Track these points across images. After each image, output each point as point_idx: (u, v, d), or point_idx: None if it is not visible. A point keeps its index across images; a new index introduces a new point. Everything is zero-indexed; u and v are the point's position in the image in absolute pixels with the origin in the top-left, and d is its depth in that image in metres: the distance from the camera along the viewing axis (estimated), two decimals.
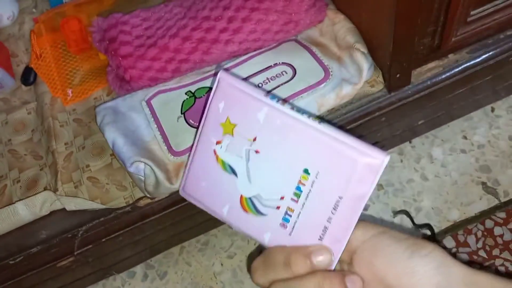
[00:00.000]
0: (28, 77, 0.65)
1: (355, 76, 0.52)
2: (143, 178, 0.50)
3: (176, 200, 0.53)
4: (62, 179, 0.55)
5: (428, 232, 0.62)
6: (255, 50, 0.56)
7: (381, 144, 0.63)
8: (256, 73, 0.54)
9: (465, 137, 0.66)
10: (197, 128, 0.41)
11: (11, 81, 0.66)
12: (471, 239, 0.61)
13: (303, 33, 0.58)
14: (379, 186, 0.65)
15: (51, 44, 0.66)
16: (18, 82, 0.66)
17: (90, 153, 0.57)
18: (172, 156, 0.51)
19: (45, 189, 0.55)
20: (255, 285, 0.61)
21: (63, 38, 0.65)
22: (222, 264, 0.64)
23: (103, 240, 0.53)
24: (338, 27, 0.55)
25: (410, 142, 0.67)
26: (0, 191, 0.57)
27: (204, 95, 0.54)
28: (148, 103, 0.55)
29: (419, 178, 0.65)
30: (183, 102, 0.54)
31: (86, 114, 0.60)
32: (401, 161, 0.66)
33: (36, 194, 0.53)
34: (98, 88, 0.62)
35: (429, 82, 0.54)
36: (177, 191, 0.52)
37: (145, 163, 0.50)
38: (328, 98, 0.51)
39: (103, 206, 0.52)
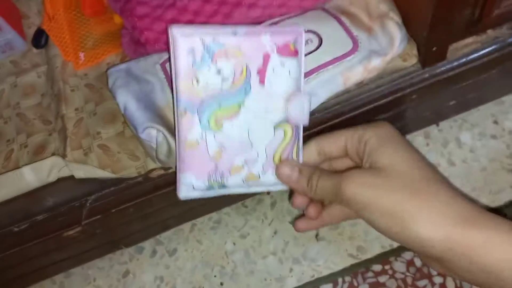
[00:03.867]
0: (40, 39, 0.62)
1: (386, 48, 0.48)
2: (154, 146, 0.47)
3: None
4: (71, 145, 0.52)
5: None
6: (286, 13, 0.52)
7: (407, 125, 0.60)
8: None
9: (495, 122, 0.63)
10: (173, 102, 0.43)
11: (22, 44, 0.63)
12: None
13: (332, 2, 0.54)
14: None
15: (64, 5, 0.62)
16: (29, 44, 0.63)
17: (101, 120, 0.54)
18: None
19: (53, 155, 0.53)
20: (267, 267, 0.59)
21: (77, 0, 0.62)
22: (234, 244, 0.61)
23: (113, 211, 0.50)
24: None
25: (437, 125, 0.64)
26: (7, 156, 0.54)
27: None
28: (163, 66, 0.52)
29: (445, 163, 0.61)
30: None
31: (98, 79, 0.57)
32: (427, 144, 0.63)
33: (43, 159, 0.51)
34: (111, 53, 0.59)
35: (465, 59, 0.50)
36: None
37: (157, 129, 0.47)
38: (355, 71, 0.48)
39: (114, 176, 0.50)
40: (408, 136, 0.63)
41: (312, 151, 0.44)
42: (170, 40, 0.40)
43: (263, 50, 0.41)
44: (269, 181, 0.44)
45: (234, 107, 0.42)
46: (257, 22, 0.52)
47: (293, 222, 0.48)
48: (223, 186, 0.44)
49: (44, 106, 0.57)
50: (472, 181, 0.60)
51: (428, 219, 0.34)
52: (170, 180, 0.50)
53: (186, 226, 0.63)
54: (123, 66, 0.53)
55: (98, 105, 0.55)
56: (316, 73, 0.48)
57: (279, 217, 0.61)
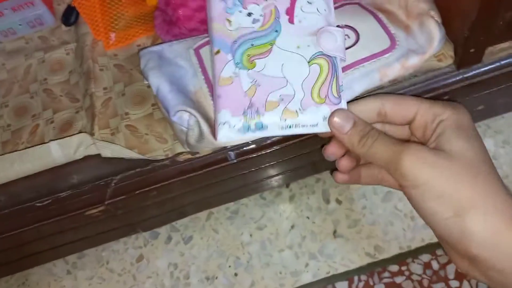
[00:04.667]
0: (69, 17, 0.61)
1: (424, 46, 0.48)
2: (185, 130, 0.47)
3: (217, 159, 0.50)
4: (99, 124, 0.52)
5: None
6: None
7: None
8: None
9: None
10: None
11: (51, 19, 0.62)
12: None
13: None
14: None
15: None
16: (58, 21, 0.63)
17: (130, 101, 0.53)
18: None
19: (80, 132, 0.52)
20: (283, 260, 0.58)
21: None
22: (251, 235, 0.61)
23: (137, 192, 0.50)
24: None
25: None
26: (32, 130, 0.54)
27: None
28: (197, 51, 0.51)
29: None
30: None
31: (128, 60, 0.57)
32: None
33: (71, 135, 0.50)
34: (142, 35, 0.58)
35: (500, 63, 0.50)
36: (219, 150, 0.50)
37: (190, 113, 0.47)
38: (393, 68, 0.48)
39: (141, 156, 0.49)
40: None
41: (372, 109, 0.40)
42: None
43: None
44: (308, 120, 0.42)
45: (266, 45, 0.43)
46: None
47: (333, 173, 0.45)
48: (260, 125, 0.42)
49: (72, 83, 0.57)
50: None
51: (483, 211, 0.33)
52: (196, 165, 0.50)
53: (203, 214, 0.63)
54: (156, 48, 0.53)
55: (127, 86, 0.55)
56: (353, 68, 0.47)
57: (297, 211, 0.61)
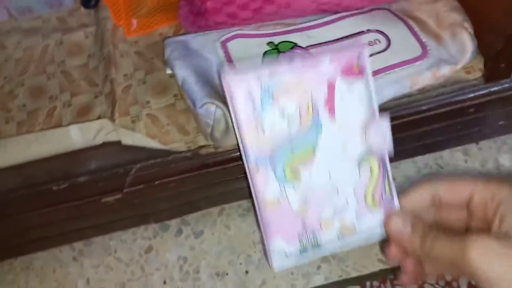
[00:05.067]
0: (90, 0, 0.60)
1: (455, 57, 0.48)
2: (211, 123, 0.46)
3: (240, 156, 0.49)
4: (119, 111, 0.51)
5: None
6: (345, 9, 0.51)
7: (452, 139, 0.60)
8: (346, 36, 0.50)
9: None
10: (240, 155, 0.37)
11: (71, 1, 0.61)
12: None
13: (397, 4, 0.53)
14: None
15: None
16: (77, 3, 0.62)
17: (151, 90, 0.52)
18: None
19: (99, 118, 0.51)
20: None
21: None
22: None
23: (156, 182, 0.49)
24: (441, 4, 0.50)
25: (477, 143, 0.63)
26: (49, 112, 0.53)
27: (288, 50, 0.49)
28: (224, 45, 0.51)
29: None
30: (265, 53, 0.49)
31: (150, 49, 0.56)
32: (466, 161, 0.63)
33: (92, 120, 0.49)
34: (164, 24, 0.57)
35: None
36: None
37: (217, 105, 0.46)
38: (424, 76, 0.47)
39: (163, 147, 0.48)
40: (448, 151, 0.63)
41: (425, 197, 0.37)
42: (225, 89, 0.35)
43: (326, 77, 0.36)
44: (365, 230, 0.38)
45: (308, 150, 0.36)
46: (321, 11, 0.51)
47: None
48: (317, 245, 0.38)
49: (91, 67, 0.56)
50: None
51: None
52: (218, 159, 0.49)
53: (215, 209, 0.62)
54: (181, 38, 0.52)
55: (148, 74, 0.54)
56: (383, 73, 0.47)
57: None
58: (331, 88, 0.36)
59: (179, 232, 0.61)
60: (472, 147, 0.63)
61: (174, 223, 0.62)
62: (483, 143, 0.63)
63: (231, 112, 0.35)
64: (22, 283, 0.61)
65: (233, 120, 0.36)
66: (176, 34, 0.56)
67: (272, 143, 0.36)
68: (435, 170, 0.62)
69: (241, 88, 0.34)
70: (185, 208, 0.60)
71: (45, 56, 0.57)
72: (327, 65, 0.35)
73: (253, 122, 0.35)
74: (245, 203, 0.62)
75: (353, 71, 0.36)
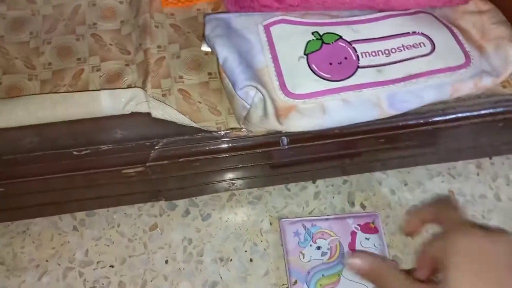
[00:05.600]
0: None
1: (498, 70, 0.48)
2: (248, 107, 0.45)
3: (269, 142, 0.48)
4: (151, 82, 0.49)
5: None
6: (391, 8, 0.51)
7: (470, 150, 0.60)
8: (392, 36, 0.50)
9: None
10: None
11: None
12: None
13: (440, 11, 0.53)
14: (450, 193, 0.62)
15: None
16: None
17: (185, 65, 0.51)
18: (283, 95, 0.46)
19: (128, 86, 0.50)
20: None
21: None
22: (271, 224, 0.60)
23: (180, 160, 0.48)
24: (487, 16, 0.51)
25: (490, 158, 0.64)
26: (76, 74, 0.51)
27: (333, 42, 0.49)
28: (267, 28, 0.50)
29: (492, 196, 0.62)
30: (308, 42, 0.49)
31: (186, 23, 0.54)
32: (478, 174, 0.63)
33: (124, 88, 0.48)
34: (204, 0, 0.56)
35: None
36: (273, 133, 0.48)
37: (258, 89, 0.45)
38: (465, 85, 0.47)
39: (194, 124, 0.47)
40: (461, 162, 0.64)
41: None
42: (280, 228, 0.56)
43: (350, 230, 0.55)
44: None
45: (335, 275, 0.52)
46: (369, 6, 0.51)
47: None
48: None
49: (123, 34, 0.54)
50: None
51: None
52: (248, 144, 0.48)
53: (225, 194, 0.61)
54: (223, 16, 0.51)
55: (182, 48, 0.52)
56: (426, 76, 0.47)
57: (320, 208, 0.60)
58: (353, 236, 0.55)
59: (186, 212, 0.60)
60: (485, 161, 0.64)
61: (182, 203, 0.61)
62: (496, 159, 0.64)
63: (282, 242, 0.55)
64: (17, 247, 0.59)
65: (283, 248, 0.54)
66: (214, 11, 0.55)
67: (309, 266, 0.53)
68: (447, 179, 0.63)
69: (291, 228, 0.55)
70: (196, 190, 0.59)
71: (75, 16, 0.54)
72: (351, 222, 0.56)
73: (297, 250, 0.54)
74: (255, 190, 0.62)
75: (370, 228, 0.55)
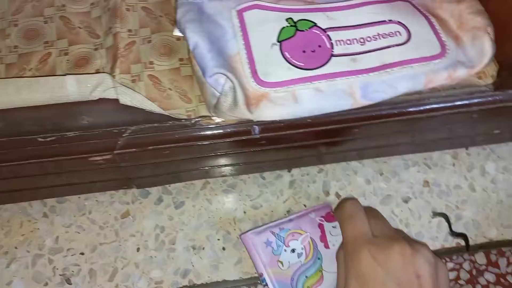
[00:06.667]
0: None
1: (473, 61, 0.48)
2: (217, 94, 0.44)
3: (240, 131, 0.48)
4: (120, 67, 0.48)
5: (462, 242, 0.59)
6: None
7: (446, 140, 0.60)
8: (367, 24, 0.48)
9: None
10: None
11: None
12: (502, 261, 0.59)
13: None
14: (425, 183, 0.62)
15: None
16: None
17: (156, 50, 0.50)
18: (255, 83, 0.45)
19: (97, 72, 0.48)
20: None
21: None
22: (245, 212, 0.59)
23: (149, 148, 0.47)
24: (465, 6, 0.50)
25: (466, 148, 0.64)
26: (43, 58, 0.49)
27: (307, 29, 0.48)
28: (240, 14, 0.48)
29: (466, 187, 0.62)
30: (282, 29, 0.48)
31: (159, 7, 0.53)
32: (453, 165, 0.63)
33: (90, 73, 0.46)
34: None
35: None
36: (245, 122, 0.47)
37: (227, 77, 0.44)
38: (440, 75, 0.47)
39: (162, 111, 0.46)
40: (438, 153, 0.63)
41: None
42: (248, 243, 0.52)
43: (316, 223, 0.54)
44: None
45: (317, 273, 0.51)
46: None
47: None
48: None
49: (93, 17, 0.52)
50: (487, 210, 0.61)
51: None
52: (218, 132, 0.47)
53: (199, 182, 0.61)
54: (196, 0, 0.49)
55: (154, 33, 0.51)
56: (400, 66, 0.46)
57: (295, 197, 0.60)
58: (321, 228, 0.54)
59: (159, 200, 0.59)
60: (462, 152, 0.64)
61: (155, 190, 0.60)
62: (472, 149, 0.64)
63: (255, 258, 0.52)
64: None
65: (256, 265, 0.52)
66: None
67: (290, 272, 0.51)
68: (423, 169, 0.62)
69: (260, 238, 0.52)
70: (170, 178, 0.58)
71: None
72: (314, 216, 0.55)
73: (274, 260, 0.51)
74: (230, 179, 0.61)
75: (332, 216, 0.55)
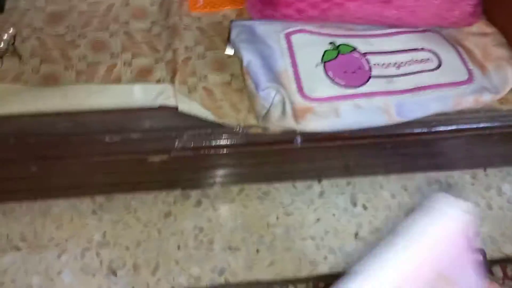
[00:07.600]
0: None
1: (497, 88, 0.53)
2: (267, 106, 0.50)
3: (284, 140, 0.53)
4: (179, 79, 0.53)
5: (480, 257, 0.63)
6: (402, 25, 0.56)
7: (467, 159, 0.65)
8: (402, 50, 0.54)
9: None
10: None
11: None
12: None
13: (447, 30, 0.58)
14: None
15: None
16: None
17: (209, 65, 0.55)
18: (300, 97, 0.50)
19: (158, 82, 0.54)
20: (304, 249, 0.62)
21: None
22: (277, 218, 0.64)
23: (202, 152, 0.52)
24: (490, 38, 0.55)
25: (484, 170, 0.69)
26: (109, 68, 0.54)
27: (348, 53, 0.53)
28: (287, 37, 0.54)
29: (484, 205, 0.66)
30: (325, 51, 0.53)
31: (212, 27, 0.59)
32: (472, 184, 0.68)
33: (155, 83, 0.52)
34: (229, 7, 0.60)
35: None
36: (288, 132, 0.52)
37: (277, 90, 0.49)
38: (467, 99, 0.52)
39: (216, 120, 0.51)
40: (458, 172, 0.68)
41: None
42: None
43: None
44: None
45: None
46: (382, 23, 0.55)
47: None
48: None
49: (153, 33, 0.58)
50: (503, 227, 0.65)
51: None
52: (264, 140, 0.52)
53: (235, 188, 0.65)
54: (248, 22, 0.55)
55: (207, 50, 0.56)
56: (432, 89, 0.51)
57: (325, 207, 0.65)
58: None
59: (199, 203, 0.64)
60: (480, 172, 0.69)
61: (195, 193, 0.65)
62: (490, 170, 0.69)
63: None
64: (39, 227, 0.63)
65: None
66: (238, 18, 0.59)
67: None
68: (444, 187, 0.67)
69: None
70: (211, 181, 0.63)
71: (109, 13, 0.59)
72: None
73: None
74: (264, 186, 0.66)
75: None
